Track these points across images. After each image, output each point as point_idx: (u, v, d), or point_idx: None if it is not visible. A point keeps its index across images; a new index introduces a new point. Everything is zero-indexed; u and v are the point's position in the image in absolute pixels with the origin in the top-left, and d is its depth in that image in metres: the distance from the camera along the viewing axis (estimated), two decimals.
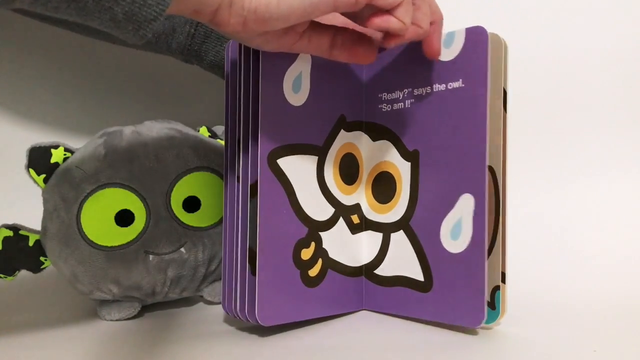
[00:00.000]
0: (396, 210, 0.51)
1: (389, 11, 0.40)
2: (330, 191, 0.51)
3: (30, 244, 0.53)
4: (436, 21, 0.45)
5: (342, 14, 0.42)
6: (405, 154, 0.50)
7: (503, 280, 0.48)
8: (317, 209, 0.50)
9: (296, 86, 0.48)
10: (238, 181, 0.49)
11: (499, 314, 0.47)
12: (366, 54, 0.45)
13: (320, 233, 0.50)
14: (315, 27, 0.43)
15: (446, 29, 0.52)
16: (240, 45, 0.47)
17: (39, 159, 0.53)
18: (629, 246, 0.68)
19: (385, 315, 0.52)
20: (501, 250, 0.47)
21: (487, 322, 0.47)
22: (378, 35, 0.46)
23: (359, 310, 0.53)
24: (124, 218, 0.52)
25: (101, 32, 0.53)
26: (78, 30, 0.55)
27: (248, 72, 0.47)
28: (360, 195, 0.53)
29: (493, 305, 0.47)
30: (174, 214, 0.53)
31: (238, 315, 0.48)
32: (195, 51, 0.53)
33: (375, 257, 0.52)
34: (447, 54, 0.47)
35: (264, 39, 0.40)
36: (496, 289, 0.47)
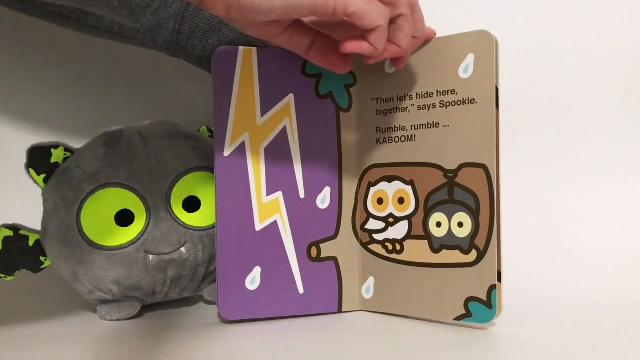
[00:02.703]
0: None
1: (364, 34, 0.42)
2: None
3: (30, 244, 0.53)
4: (417, 38, 0.48)
5: (322, 26, 0.45)
6: None
7: (499, 280, 0.48)
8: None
9: None
10: None
11: (496, 312, 0.47)
12: (340, 63, 0.47)
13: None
14: (299, 25, 0.45)
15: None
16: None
17: (39, 159, 0.53)
18: (628, 245, 0.68)
19: (384, 315, 0.53)
20: (497, 249, 0.47)
21: (484, 322, 0.47)
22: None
23: (337, 313, 0.54)
24: (124, 218, 0.52)
25: (90, 28, 0.54)
26: (68, 26, 0.55)
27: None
28: None
29: (490, 304, 0.47)
30: (174, 214, 0.53)
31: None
32: (182, 47, 0.53)
33: None
34: None
35: (248, 23, 0.42)
36: (492, 288, 0.47)
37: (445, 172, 0.49)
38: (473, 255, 0.48)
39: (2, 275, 0.52)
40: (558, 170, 0.72)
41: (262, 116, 0.52)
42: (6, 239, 0.52)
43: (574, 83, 0.72)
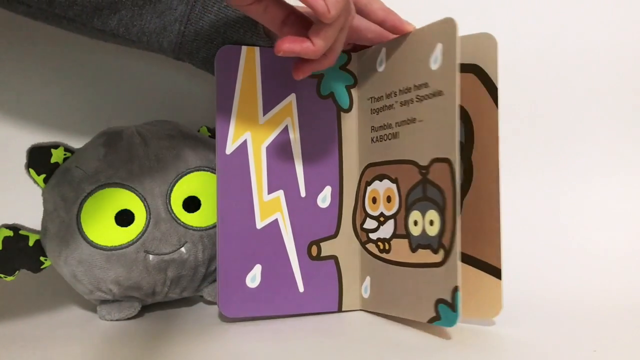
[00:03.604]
0: None
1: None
2: None
3: (30, 244, 0.53)
4: (331, 52, 0.47)
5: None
6: None
7: (498, 277, 0.48)
8: None
9: None
10: None
11: (458, 315, 0.44)
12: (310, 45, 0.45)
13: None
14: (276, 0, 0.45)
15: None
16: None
17: (39, 159, 0.53)
18: (628, 245, 0.68)
19: (384, 315, 0.53)
20: (459, 248, 0.44)
21: (449, 325, 0.45)
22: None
23: (337, 312, 0.54)
24: (124, 218, 0.52)
25: (95, 31, 0.54)
26: (72, 30, 0.55)
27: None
28: None
29: (454, 306, 0.44)
30: (174, 214, 0.53)
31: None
32: (187, 49, 0.54)
33: None
34: None
35: None
36: (456, 289, 0.44)
37: (420, 168, 0.48)
38: (441, 254, 0.46)
39: (2, 275, 0.52)
40: (557, 170, 0.72)
41: (264, 115, 0.52)
42: (6, 239, 0.52)
43: (578, 83, 0.72)
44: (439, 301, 0.46)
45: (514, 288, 0.52)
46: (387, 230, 0.51)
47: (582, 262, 0.65)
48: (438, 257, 0.46)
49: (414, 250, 0.49)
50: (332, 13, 0.41)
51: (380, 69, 0.52)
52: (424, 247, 0.48)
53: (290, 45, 0.43)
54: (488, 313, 0.49)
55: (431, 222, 0.47)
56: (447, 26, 0.45)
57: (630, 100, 0.72)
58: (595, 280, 0.61)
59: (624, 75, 0.71)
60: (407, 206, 0.50)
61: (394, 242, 0.51)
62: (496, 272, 0.48)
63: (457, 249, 0.44)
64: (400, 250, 0.50)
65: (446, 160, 0.45)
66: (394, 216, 0.51)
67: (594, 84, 0.72)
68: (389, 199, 0.51)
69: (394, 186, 0.51)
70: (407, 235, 0.49)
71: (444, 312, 0.45)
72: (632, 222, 0.69)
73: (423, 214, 0.48)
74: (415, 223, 0.49)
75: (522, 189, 0.70)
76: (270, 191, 0.52)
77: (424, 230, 0.48)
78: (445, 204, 0.45)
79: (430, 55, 0.47)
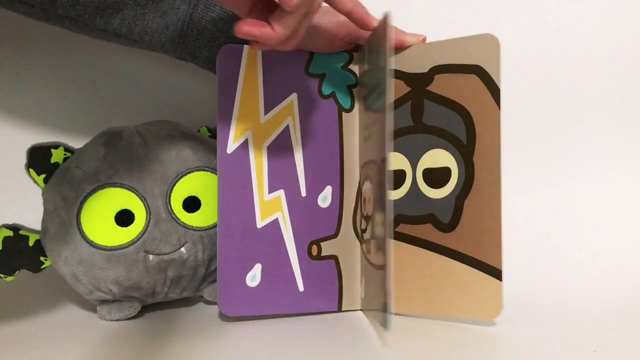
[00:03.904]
0: None
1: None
2: None
3: (30, 244, 0.53)
4: (291, 39, 0.46)
5: None
6: None
7: (499, 278, 0.48)
8: None
9: None
10: None
11: (390, 319, 0.43)
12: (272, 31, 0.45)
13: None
14: None
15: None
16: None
17: (39, 159, 0.53)
18: (628, 245, 0.68)
19: None
20: (389, 250, 0.44)
21: (385, 327, 0.44)
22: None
23: (336, 311, 0.54)
24: (124, 218, 0.52)
25: (97, 31, 0.54)
26: (75, 29, 0.55)
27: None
28: None
29: (386, 308, 0.43)
30: (174, 214, 0.53)
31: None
32: (189, 49, 0.54)
33: None
34: None
35: None
36: (386, 292, 0.43)
37: (378, 167, 0.48)
38: (384, 257, 0.45)
39: (2, 275, 0.52)
40: (559, 171, 0.72)
41: (265, 114, 0.52)
42: (6, 239, 0.52)
43: (577, 84, 0.72)
44: (384, 305, 0.44)
45: (514, 289, 0.52)
46: (370, 232, 0.51)
47: (582, 263, 0.65)
48: (383, 259, 0.46)
49: (376, 251, 0.49)
50: (293, 1, 0.41)
51: (366, 67, 0.52)
52: (380, 248, 0.47)
53: (249, 28, 0.43)
54: (488, 314, 0.49)
55: (382, 223, 0.47)
56: (383, 22, 0.45)
57: (631, 101, 0.72)
58: (595, 281, 0.61)
59: (625, 75, 0.71)
60: (375, 207, 0.49)
61: (371, 243, 0.51)
62: (497, 274, 0.48)
63: (389, 252, 0.44)
64: (374, 251, 0.50)
65: (383, 160, 0.45)
66: (371, 217, 0.51)
67: (596, 84, 0.72)
68: (370, 200, 0.51)
69: (371, 187, 0.51)
70: (375, 236, 0.49)
71: (387, 315, 0.44)
72: (632, 222, 0.70)
73: (380, 215, 0.47)
74: (377, 224, 0.48)
75: (522, 189, 0.70)
76: (270, 190, 0.52)
77: (380, 232, 0.47)
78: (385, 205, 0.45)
79: (380, 52, 0.46)
